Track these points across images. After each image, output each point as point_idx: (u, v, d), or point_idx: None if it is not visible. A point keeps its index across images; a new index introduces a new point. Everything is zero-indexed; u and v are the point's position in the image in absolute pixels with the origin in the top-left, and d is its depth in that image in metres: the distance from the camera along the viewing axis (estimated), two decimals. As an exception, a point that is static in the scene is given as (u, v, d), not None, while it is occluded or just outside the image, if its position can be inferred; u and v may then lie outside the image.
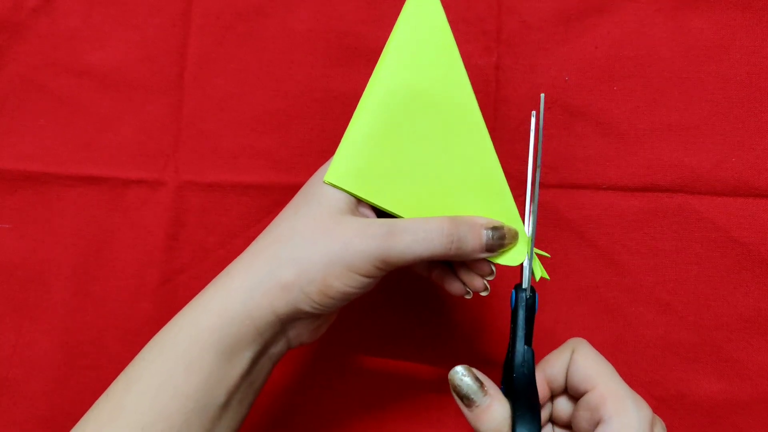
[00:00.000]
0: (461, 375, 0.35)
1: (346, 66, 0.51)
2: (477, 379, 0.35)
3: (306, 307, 0.36)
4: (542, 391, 0.37)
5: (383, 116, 0.38)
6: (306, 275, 0.35)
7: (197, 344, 0.35)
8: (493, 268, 0.39)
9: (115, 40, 0.52)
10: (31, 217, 0.50)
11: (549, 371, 0.37)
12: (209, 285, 0.37)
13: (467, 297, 0.40)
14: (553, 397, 0.38)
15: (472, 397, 0.35)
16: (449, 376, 0.35)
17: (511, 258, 0.38)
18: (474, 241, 0.36)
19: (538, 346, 0.48)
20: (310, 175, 0.50)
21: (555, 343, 0.48)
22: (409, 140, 0.38)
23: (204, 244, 0.50)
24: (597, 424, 0.34)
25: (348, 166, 0.38)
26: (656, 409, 0.43)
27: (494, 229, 0.37)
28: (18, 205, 0.50)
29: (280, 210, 0.50)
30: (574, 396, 0.36)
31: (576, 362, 0.36)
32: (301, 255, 0.36)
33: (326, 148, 0.50)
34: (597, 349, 0.48)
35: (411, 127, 0.38)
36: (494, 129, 0.50)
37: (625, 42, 0.51)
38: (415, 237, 0.35)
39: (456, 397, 0.35)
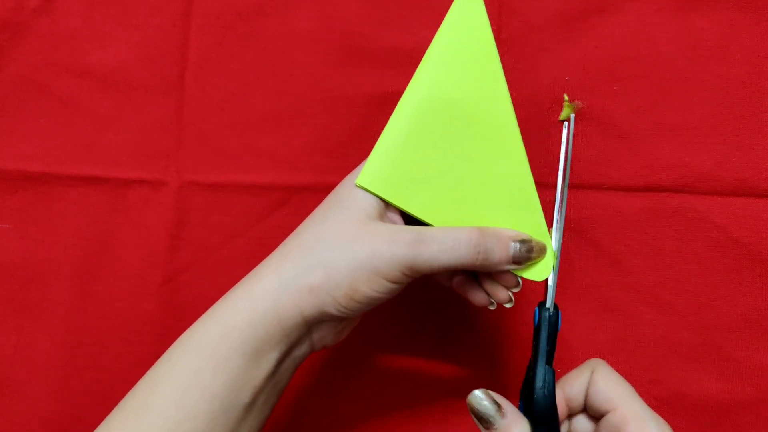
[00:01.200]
0: (479, 399, 0.35)
1: (347, 66, 0.51)
2: (495, 402, 0.35)
3: (332, 310, 0.36)
4: (561, 409, 0.37)
5: (419, 123, 0.39)
6: (334, 279, 0.35)
7: (225, 344, 0.35)
8: (519, 280, 0.39)
9: (116, 40, 0.52)
10: (31, 218, 0.50)
11: (568, 390, 0.37)
12: (236, 286, 0.37)
13: (491, 308, 0.40)
14: (571, 415, 0.38)
15: (491, 420, 0.35)
16: (467, 400, 0.35)
17: (536, 273, 0.38)
18: (501, 252, 0.37)
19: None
20: (312, 174, 0.50)
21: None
22: (443, 148, 0.38)
23: (206, 244, 0.50)
24: None
25: (380, 170, 0.38)
26: (656, 408, 0.43)
27: (522, 242, 0.37)
28: (19, 205, 0.50)
29: (283, 210, 0.50)
30: (594, 416, 0.37)
31: (596, 383, 0.36)
32: (328, 259, 0.36)
33: (328, 148, 0.50)
34: (597, 348, 0.48)
35: (446, 136, 0.38)
36: (495, 129, 0.50)
37: (626, 42, 0.51)
38: (442, 246, 0.36)
39: (475, 420, 0.35)
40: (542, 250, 0.38)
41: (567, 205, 0.49)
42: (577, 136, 0.50)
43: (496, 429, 0.35)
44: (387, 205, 0.38)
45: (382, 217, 0.38)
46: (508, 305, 0.40)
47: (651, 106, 0.50)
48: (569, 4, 0.51)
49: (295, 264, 0.36)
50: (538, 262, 0.38)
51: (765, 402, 0.47)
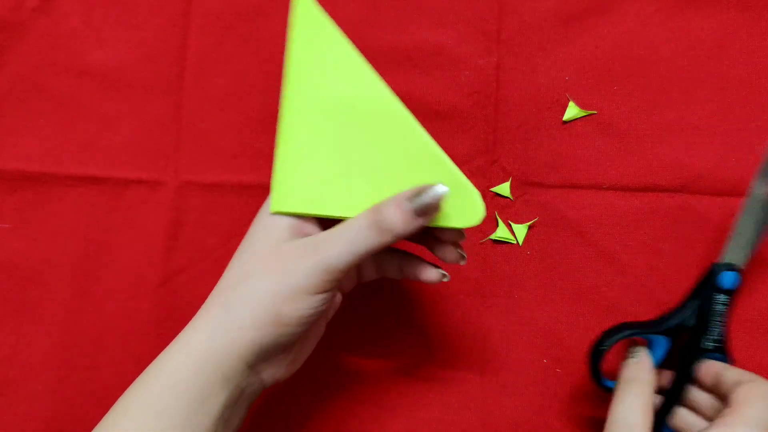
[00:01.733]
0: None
1: (346, 66, 0.51)
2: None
3: (266, 341, 0.36)
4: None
5: (303, 131, 0.39)
6: (256, 311, 0.36)
7: (167, 393, 0.35)
8: (462, 232, 0.39)
9: (115, 40, 0.52)
10: (30, 217, 0.50)
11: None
12: (176, 338, 0.38)
13: (445, 279, 0.40)
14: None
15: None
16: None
17: (466, 217, 0.37)
18: (398, 215, 0.36)
19: (539, 346, 0.48)
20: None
21: (556, 343, 0.48)
22: (335, 145, 0.38)
23: (204, 244, 0.50)
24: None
25: (286, 189, 0.38)
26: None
27: (415, 194, 0.36)
28: (18, 205, 0.50)
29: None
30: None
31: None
32: (248, 293, 0.36)
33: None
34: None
35: (332, 131, 0.38)
36: (495, 129, 0.50)
37: (625, 42, 0.51)
38: (343, 239, 0.36)
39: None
40: (439, 191, 0.36)
41: (567, 205, 0.49)
42: (577, 136, 0.50)
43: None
44: (301, 219, 0.38)
45: (296, 235, 0.38)
46: (462, 263, 0.39)
47: (650, 106, 0.50)
48: (569, 4, 0.51)
49: (221, 307, 0.37)
50: (463, 206, 0.37)
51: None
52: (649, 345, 0.45)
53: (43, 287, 0.50)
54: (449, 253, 0.39)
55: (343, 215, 0.38)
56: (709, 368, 0.42)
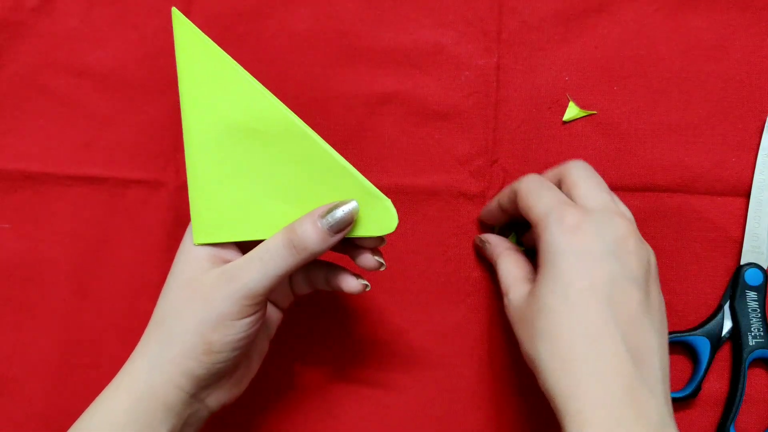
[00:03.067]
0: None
1: (345, 66, 0.51)
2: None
3: (201, 371, 0.36)
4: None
5: (208, 159, 0.38)
6: (187, 343, 0.36)
7: (110, 427, 0.36)
8: (383, 238, 0.39)
9: (115, 40, 0.52)
10: (30, 217, 0.50)
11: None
12: (117, 374, 0.38)
13: (367, 289, 0.40)
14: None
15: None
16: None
17: (381, 226, 0.37)
18: (313, 233, 0.36)
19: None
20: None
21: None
22: (242, 167, 0.38)
23: (204, 244, 0.50)
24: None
25: (204, 220, 0.39)
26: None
27: (328, 211, 0.36)
28: (17, 205, 0.50)
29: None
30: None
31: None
32: (175, 327, 0.37)
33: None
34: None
35: (237, 155, 0.38)
36: (495, 129, 0.50)
37: (625, 42, 0.51)
38: (260, 262, 0.36)
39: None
40: (350, 206, 0.37)
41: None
42: (577, 136, 0.50)
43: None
44: (220, 246, 0.39)
45: (217, 262, 0.38)
46: (381, 269, 0.40)
47: (650, 106, 0.50)
48: (568, 5, 0.51)
49: (155, 342, 0.37)
50: (377, 216, 0.37)
51: (765, 402, 0.47)
52: (693, 350, 0.47)
53: (42, 287, 0.49)
54: (368, 261, 0.39)
55: (263, 237, 0.38)
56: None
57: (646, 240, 0.49)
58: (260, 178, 0.38)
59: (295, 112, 0.51)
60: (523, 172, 0.50)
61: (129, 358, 0.38)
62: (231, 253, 0.39)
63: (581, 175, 0.40)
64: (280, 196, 0.38)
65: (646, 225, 0.49)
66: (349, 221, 0.37)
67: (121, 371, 0.38)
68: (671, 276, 0.48)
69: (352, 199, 0.37)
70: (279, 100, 0.38)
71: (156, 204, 0.50)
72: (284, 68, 0.51)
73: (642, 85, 0.50)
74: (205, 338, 0.36)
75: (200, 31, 0.38)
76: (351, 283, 0.40)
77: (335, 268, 0.41)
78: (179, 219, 0.50)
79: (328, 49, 0.51)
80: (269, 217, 0.38)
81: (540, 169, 0.50)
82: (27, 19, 0.52)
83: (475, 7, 0.51)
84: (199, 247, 0.38)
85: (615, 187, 0.49)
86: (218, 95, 0.38)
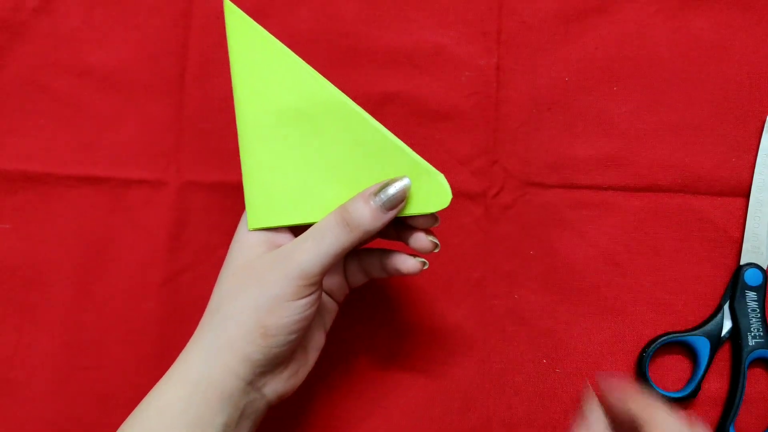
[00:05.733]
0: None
1: (346, 66, 0.51)
2: None
3: (258, 355, 0.36)
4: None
5: (261, 144, 0.39)
6: (243, 328, 0.36)
7: (165, 417, 0.36)
8: (436, 217, 0.39)
9: (116, 40, 0.52)
10: (31, 218, 0.50)
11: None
12: (173, 365, 0.38)
13: (425, 267, 0.40)
14: None
15: None
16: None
17: (434, 202, 0.37)
18: (366, 211, 0.36)
19: (539, 346, 0.48)
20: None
21: (555, 344, 0.48)
22: (295, 151, 0.39)
23: (206, 243, 0.50)
24: None
25: (258, 205, 0.39)
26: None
27: (381, 189, 0.37)
28: (18, 206, 0.50)
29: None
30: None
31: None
32: (232, 313, 0.37)
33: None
34: (597, 348, 0.48)
35: (290, 139, 0.39)
36: (496, 129, 0.50)
37: (625, 42, 0.51)
38: (314, 240, 0.36)
39: None
40: (403, 183, 0.37)
41: (567, 205, 0.50)
42: (577, 136, 0.50)
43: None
44: (274, 231, 0.39)
45: (270, 247, 0.38)
46: (436, 250, 0.39)
47: (650, 106, 0.50)
48: (568, 5, 0.51)
49: (210, 328, 0.37)
50: (428, 192, 0.37)
51: (764, 401, 0.47)
52: (692, 350, 0.47)
53: (44, 288, 0.50)
54: (422, 242, 0.39)
55: (316, 220, 0.38)
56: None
57: (646, 240, 0.49)
58: (312, 161, 0.38)
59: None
60: (524, 173, 0.50)
61: (183, 350, 0.38)
62: (284, 238, 0.39)
63: None
64: (333, 179, 0.38)
65: (646, 225, 0.49)
66: (402, 198, 0.37)
67: (175, 362, 0.38)
68: (671, 276, 0.49)
69: (404, 176, 0.37)
70: (330, 83, 0.38)
71: (158, 204, 0.50)
72: (285, 68, 0.51)
73: (642, 85, 0.50)
74: (261, 321, 0.36)
75: (251, 20, 0.39)
76: (408, 263, 0.40)
77: (389, 252, 0.41)
78: (181, 219, 0.50)
79: (329, 50, 0.51)
80: (322, 199, 0.38)
81: (540, 169, 0.50)
82: (28, 20, 0.52)
83: (475, 8, 0.51)
84: (253, 233, 0.39)
85: (615, 187, 0.49)
86: (270, 81, 0.38)
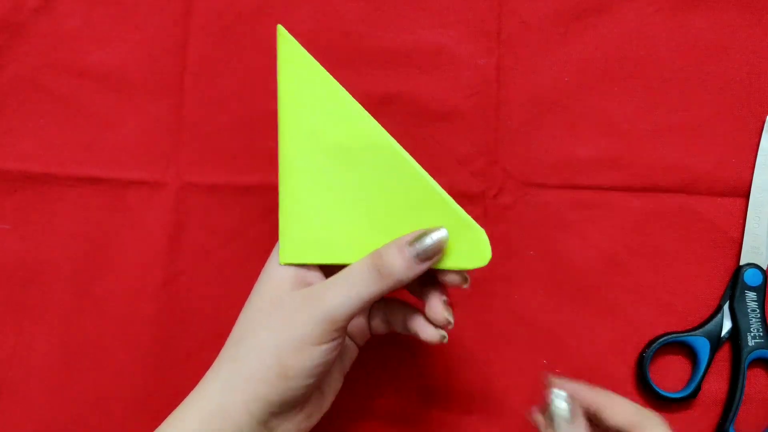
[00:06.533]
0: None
1: (346, 66, 0.51)
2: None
3: (274, 396, 0.35)
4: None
5: (302, 178, 0.38)
6: (263, 365, 0.35)
7: None
8: (465, 275, 0.37)
9: (116, 40, 0.52)
10: (31, 218, 0.50)
11: (606, 417, 0.37)
12: (192, 391, 0.37)
13: (444, 341, 0.38)
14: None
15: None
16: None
17: (474, 259, 0.36)
18: (399, 260, 0.35)
19: (538, 347, 0.48)
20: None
21: (555, 344, 0.48)
22: (335, 188, 0.38)
23: (205, 245, 0.50)
24: None
25: (292, 240, 0.38)
26: (658, 409, 0.43)
27: (417, 239, 0.35)
28: (18, 206, 0.50)
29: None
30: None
31: None
32: (254, 348, 0.36)
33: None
34: (597, 349, 0.48)
35: (331, 176, 0.38)
36: (496, 130, 0.50)
37: (625, 42, 0.51)
38: (344, 286, 0.35)
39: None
40: (441, 235, 0.35)
41: (567, 205, 0.50)
42: (577, 136, 0.50)
43: None
44: (305, 267, 0.38)
45: (299, 284, 0.37)
46: (449, 327, 0.38)
47: (650, 106, 0.50)
48: (568, 5, 0.51)
49: (230, 362, 0.36)
50: (469, 247, 0.36)
51: (763, 401, 0.47)
52: (692, 350, 0.47)
53: (43, 288, 0.49)
54: (436, 313, 0.38)
55: (348, 262, 0.37)
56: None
57: (647, 240, 0.49)
58: (352, 200, 0.37)
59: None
60: (524, 173, 0.50)
61: (203, 377, 0.37)
62: (315, 276, 0.38)
63: None
64: (371, 221, 0.37)
65: (646, 225, 0.49)
66: (438, 250, 0.35)
67: (193, 391, 0.37)
68: (671, 276, 0.49)
69: (442, 227, 0.35)
70: (377, 122, 0.37)
71: (157, 205, 0.50)
72: (285, 68, 0.51)
73: (642, 85, 0.50)
74: (282, 361, 0.35)
75: (304, 49, 0.38)
76: (428, 332, 0.39)
77: (414, 312, 0.40)
78: (180, 220, 0.50)
79: (329, 50, 0.51)
80: (358, 241, 0.37)
81: (540, 169, 0.50)
82: (28, 20, 0.52)
83: (475, 8, 0.51)
84: (284, 267, 0.38)
85: (615, 188, 0.49)
86: (317, 114, 0.37)
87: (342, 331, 0.36)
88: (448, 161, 0.50)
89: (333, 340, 0.35)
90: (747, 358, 0.46)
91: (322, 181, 0.38)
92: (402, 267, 0.35)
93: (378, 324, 0.42)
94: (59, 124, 0.51)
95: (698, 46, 0.50)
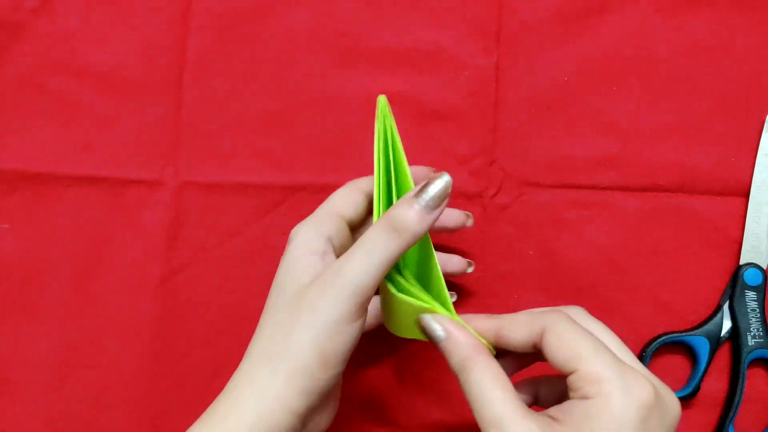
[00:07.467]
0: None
1: (345, 66, 0.51)
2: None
3: (316, 389, 0.34)
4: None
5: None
6: (302, 359, 0.34)
7: None
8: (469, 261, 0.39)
9: (115, 40, 0.52)
10: (29, 217, 0.50)
11: (507, 337, 0.36)
12: (217, 399, 0.36)
13: (469, 224, 0.44)
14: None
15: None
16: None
17: None
18: (411, 213, 0.35)
19: (538, 346, 0.48)
20: (309, 174, 0.50)
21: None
22: None
23: (203, 243, 0.50)
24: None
25: None
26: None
27: (420, 190, 0.35)
28: (17, 205, 0.50)
29: (280, 209, 0.50)
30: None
31: (549, 345, 0.34)
32: (287, 345, 0.35)
33: (325, 148, 0.50)
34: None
35: None
36: (494, 129, 0.50)
37: (625, 42, 0.51)
38: (363, 252, 0.34)
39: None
40: (444, 180, 0.35)
41: (566, 205, 0.50)
42: (577, 136, 0.50)
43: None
44: (320, 254, 0.37)
45: (318, 269, 0.37)
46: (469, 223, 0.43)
47: (650, 106, 0.50)
48: (568, 4, 0.51)
49: (263, 363, 0.35)
50: None
51: (763, 401, 0.47)
52: (692, 350, 0.47)
53: (42, 287, 0.49)
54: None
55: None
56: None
57: (646, 240, 0.49)
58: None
59: (295, 112, 0.51)
60: (523, 173, 0.50)
61: (232, 382, 0.36)
62: (332, 258, 0.38)
63: (602, 333, 0.35)
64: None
65: (646, 225, 0.49)
66: (444, 194, 0.35)
67: (217, 402, 0.35)
68: (670, 275, 0.48)
69: (443, 173, 0.36)
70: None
71: (155, 204, 0.50)
72: (284, 68, 0.51)
73: (641, 85, 0.50)
74: (321, 349, 0.34)
75: (395, 126, 0.39)
76: (453, 259, 0.41)
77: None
78: (179, 219, 0.50)
79: (328, 50, 0.51)
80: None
81: (539, 169, 0.50)
82: (27, 20, 0.52)
83: (474, 8, 0.51)
84: (300, 257, 0.37)
85: (615, 187, 0.49)
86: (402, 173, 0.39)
87: (368, 304, 0.35)
88: (446, 161, 0.50)
89: (362, 316, 0.35)
90: (747, 358, 0.46)
91: None
92: (414, 219, 0.34)
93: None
94: (57, 124, 0.51)
95: (698, 46, 0.50)
